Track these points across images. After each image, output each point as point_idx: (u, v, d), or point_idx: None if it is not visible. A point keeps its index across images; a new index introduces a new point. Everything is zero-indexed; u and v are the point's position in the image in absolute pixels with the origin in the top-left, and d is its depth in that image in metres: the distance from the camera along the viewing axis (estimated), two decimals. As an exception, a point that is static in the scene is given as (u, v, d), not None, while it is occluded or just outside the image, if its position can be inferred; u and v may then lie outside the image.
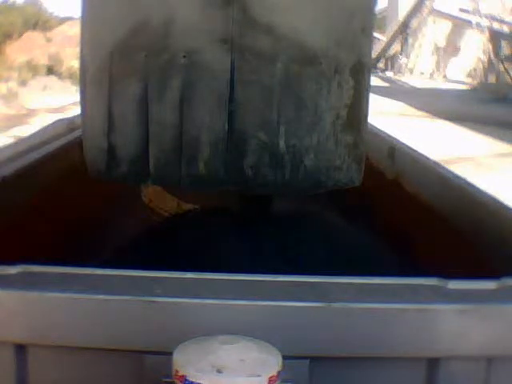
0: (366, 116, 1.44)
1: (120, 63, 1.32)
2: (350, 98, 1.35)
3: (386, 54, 19.68)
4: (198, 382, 0.71)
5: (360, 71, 1.37)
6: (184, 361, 0.73)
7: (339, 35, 1.35)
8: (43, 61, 15.72)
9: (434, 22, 18.88)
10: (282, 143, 1.29)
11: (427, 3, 18.35)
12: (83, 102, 1.43)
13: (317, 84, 1.30)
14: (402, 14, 18.91)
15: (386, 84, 16.23)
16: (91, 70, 1.38)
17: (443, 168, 1.78)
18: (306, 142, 1.31)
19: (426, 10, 18.52)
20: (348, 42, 1.36)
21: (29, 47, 16.43)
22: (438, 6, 18.32)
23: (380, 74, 18.34)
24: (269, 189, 1.35)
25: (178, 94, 1.27)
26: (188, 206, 2.31)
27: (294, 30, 1.29)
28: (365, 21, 1.41)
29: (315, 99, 1.30)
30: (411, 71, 19.20)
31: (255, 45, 1.27)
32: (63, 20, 19.45)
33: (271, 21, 1.28)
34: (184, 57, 1.27)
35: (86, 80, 1.41)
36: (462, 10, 17.54)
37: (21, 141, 1.91)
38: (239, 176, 1.30)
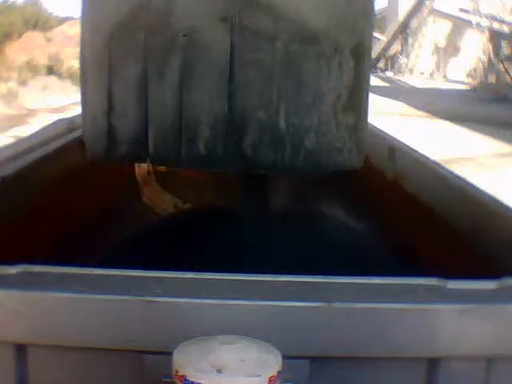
0: (366, 99, 1.43)
1: (120, 44, 1.31)
2: (351, 80, 1.34)
3: (386, 54, 19.67)
4: (198, 381, 0.71)
5: (360, 53, 1.36)
6: (184, 361, 0.73)
7: (340, 16, 1.34)
8: (43, 61, 15.71)
9: (434, 22, 18.88)
10: (282, 123, 1.28)
11: (427, 3, 18.34)
12: (83, 83, 1.43)
13: (317, 64, 1.29)
14: (402, 14, 18.90)
15: (386, 84, 16.22)
16: (91, 52, 1.38)
17: (443, 168, 1.78)
18: (306, 122, 1.30)
19: (426, 10, 18.51)
20: (348, 24, 1.35)
21: (29, 47, 16.42)
22: (438, 5, 18.32)
23: (380, 73, 18.33)
24: (269, 169, 1.34)
25: (178, 73, 1.26)
26: (187, 205, 2.31)
27: (295, 10, 1.28)
28: (365, 3, 1.41)
29: (315, 79, 1.30)
30: (411, 71, 19.20)
31: (255, 24, 1.26)
32: (63, 20, 19.43)
33: (271, 0, 1.27)
34: (184, 36, 1.26)
35: (85, 61, 1.40)
36: (462, 10, 17.53)
37: (21, 141, 1.91)
38: (239, 156, 1.29)
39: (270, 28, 1.26)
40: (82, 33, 1.44)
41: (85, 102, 1.43)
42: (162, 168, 2.94)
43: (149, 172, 2.91)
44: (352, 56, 1.33)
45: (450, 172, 1.73)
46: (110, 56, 1.31)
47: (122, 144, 1.34)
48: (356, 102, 1.37)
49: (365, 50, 1.38)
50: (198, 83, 1.26)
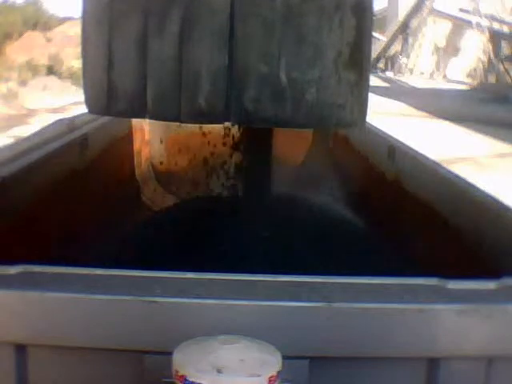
0: (368, 58, 1.42)
1: None
2: (352, 37, 1.33)
3: (386, 54, 19.66)
4: (197, 382, 0.71)
5: (362, 11, 1.35)
6: (184, 361, 0.73)
7: None
8: (43, 61, 15.69)
9: (434, 22, 18.86)
10: (282, 76, 1.28)
11: (427, 3, 18.33)
12: (84, 38, 1.42)
13: (317, 19, 1.29)
14: (402, 14, 18.89)
15: (386, 84, 16.22)
16: (91, 7, 1.37)
17: (443, 168, 1.78)
18: (307, 76, 1.29)
19: (426, 10, 18.49)
20: None
21: (29, 47, 16.41)
22: (438, 6, 18.31)
23: (380, 73, 18.33)
24: (270, 123, 1.33)
25: (178, 27, 1.25)
26: (187, 205, 2.31)
27: None
28: None
29: (316, 34, 1.29)
30: (411, 71, 19.18)
31: None
32: (63, 20, 19.41)
33: None
34: None
35: (86, 17, 1.40)
36: (462, 10, 17.52)
37: (21, 141, 1.91)
38: (239, 110, 1.28)
39: None
40: None
41: (85, 58, 1.42)
42: (162, 168, 2.94)
43: (149, 172, 2.91)
44: (353, 13, 1.33)
45: (450, 172, 1.73)
46: (110, 11, 1.31)
47: (121, 99, 1.33)
48: (358, 60, 1.36)
49: (366, 9, 1.37)
50: (198, 37, 1.25)
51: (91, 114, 1.45)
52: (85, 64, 1.43)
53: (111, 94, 1.33)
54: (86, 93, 1.43)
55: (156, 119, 1.37)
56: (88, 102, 1.42)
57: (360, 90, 1.38)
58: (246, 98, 1.27)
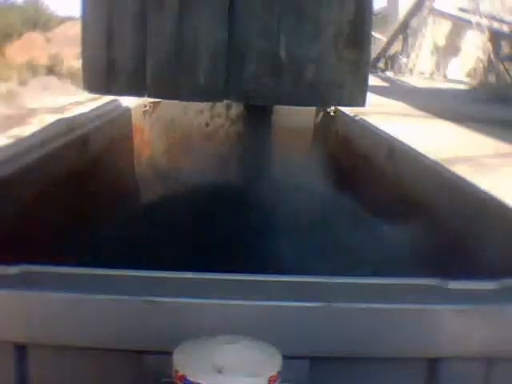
0: (369, 37, 1.41)
1: None
2: (353, 16, 1.32)
3: (386, 54, 19.66)
4: (197, 381, 0.71)
5: None
6: (184, 361, 0.73)
7: None
8: (43, 61, 15.70)
9: (434, 22, 18.87)
10: (282, 52, 1.27)
11: (427, 3, 18.33)
12: (84, 16, 1.41)
13: None
14: (402, 13, 18.90)
15: (386, 84, 16.22)
16: None
17: (443, 168, 1.78)
18: (306, 53, 1.28)
19: (426, 10, 18.51)
20: None
21: (29, 47, 16.41)
22: (438, 5, 18.32)
23: (380, 73, 18.33)
24: (269, 100, 1.33)
25: (177, 2, 1.25)
26: (188, 205, 2.31)
27: None
28: None
29: (316, 10, 1.28)
30: (411, 71, 19.18)
31: None
32: (63, 20, 19.43)
33: None
34: None
35: None
36: (461, 10, 17.53)
37: (21, 141, 1.90)
38: (239, 86, 1.28)
39: None
40: None
41: (84, 35, 1.41)
42: (162, 167, 2.94)
43: (149, 171, 2.91)
44: None
45: (450, 172, 1.73)
46: None
47: (120, 77, 1.32)
48: (358, 38, 1.35)
49: None
50: (197, 12, 1.25)
51: (89, 93, 1.44)
52: (84, 42, 1.41)
53: (110, 73, 1.32)
54: (84, 71, 1.41)
55: (155, 97, 1.36)
56: (86, 80, 1.41)
57: (360, 70, 1.36)
58: (246, 74, 1.26)
